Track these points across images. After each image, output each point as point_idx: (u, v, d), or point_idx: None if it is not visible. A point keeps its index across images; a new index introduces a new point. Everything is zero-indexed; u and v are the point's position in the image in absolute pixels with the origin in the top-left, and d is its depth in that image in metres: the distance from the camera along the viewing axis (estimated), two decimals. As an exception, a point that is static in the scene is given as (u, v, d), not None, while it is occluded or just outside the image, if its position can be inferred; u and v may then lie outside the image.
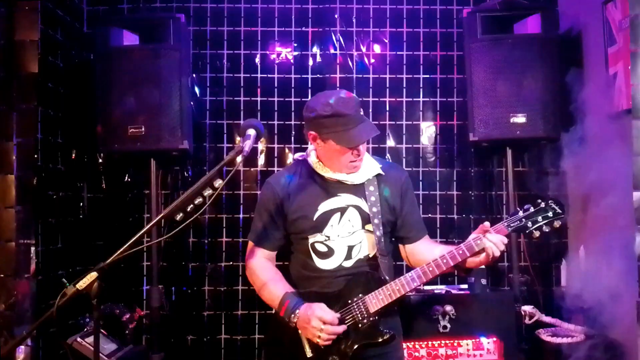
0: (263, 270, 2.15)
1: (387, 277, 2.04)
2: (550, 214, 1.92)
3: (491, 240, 1.89)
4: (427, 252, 2.12)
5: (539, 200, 1.93)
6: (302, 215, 2.10)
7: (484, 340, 2.82)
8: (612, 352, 2.66)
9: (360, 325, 2.00)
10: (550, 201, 1.93)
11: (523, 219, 1.92)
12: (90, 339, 2.74)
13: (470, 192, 3.51)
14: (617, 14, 2.77)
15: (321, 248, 2.11)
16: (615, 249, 2.42)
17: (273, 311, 2.15)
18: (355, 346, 1.98)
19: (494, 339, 2.81)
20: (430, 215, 3.47)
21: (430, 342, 2.80)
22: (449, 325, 2.83)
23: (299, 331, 2.02)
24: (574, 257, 3.01)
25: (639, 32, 2.25)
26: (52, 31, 3.04)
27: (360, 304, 2.00)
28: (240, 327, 3.43)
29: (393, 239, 2.21)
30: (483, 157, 3.50)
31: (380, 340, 1.99)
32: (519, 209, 1.95)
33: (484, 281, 2.99)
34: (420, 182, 3.49)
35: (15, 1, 2.82)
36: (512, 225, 1.93)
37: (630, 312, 2.21)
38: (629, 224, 2.22)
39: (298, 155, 2.27)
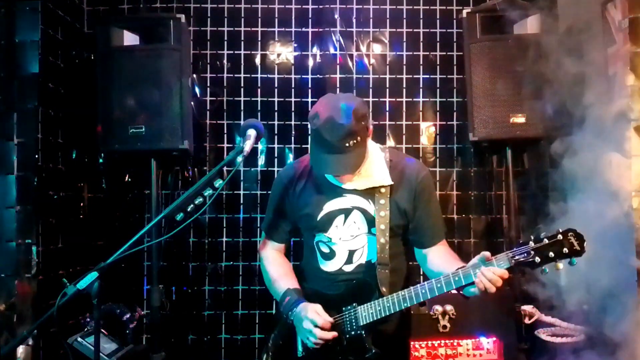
0: (271, 263, 2.21)
1: (384, 290, 1.97)
2: (565, 249, 1.63)
3: (485, 276, 1.69)
4: (437, 263, 2.02)
5: (558, 231, 1.65)
6: (307, 213, 2.08)
7: (484, 340, 2.82)
8: (611, 351, 2.66)
9: (348, 336, 1.95)
10: (569, 234, 1.64)
11: (532, 252, 1.66)
12: (91, 339, 2.75)
13: (470, 192, 3.51)
14: (617, 14, 2.77)
15: (324, 249, 2.10)
16: (614, 248, 2.42)
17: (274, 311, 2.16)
18: (341, 356, 1.95)
19: (494, 338, 2.82)
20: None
21: (430, 342, 2.80)
22: (448, 325, 2.83)
23: (296, 329, 2.02)
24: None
25: (639, 32, 2.26)
26: (53, 31, 3.04)
27: (352, 314, 1.96)
28: (240, 327, 3.44)
29: (405, 242, 2.13)
30: (483, 157, 3.50)
31: (365, 356, 1.92)
32: (531, 237, 1.68)
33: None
34: (420, 182, 3.50)
35: (16, 1, 2.83)
36: (517, 257, 1.68)
37: (630, 311, 2.22)
38: (629, 224, 2.22)
39: None
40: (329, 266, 2.09)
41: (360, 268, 2.05)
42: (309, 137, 2.01)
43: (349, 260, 2.06)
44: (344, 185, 2.03)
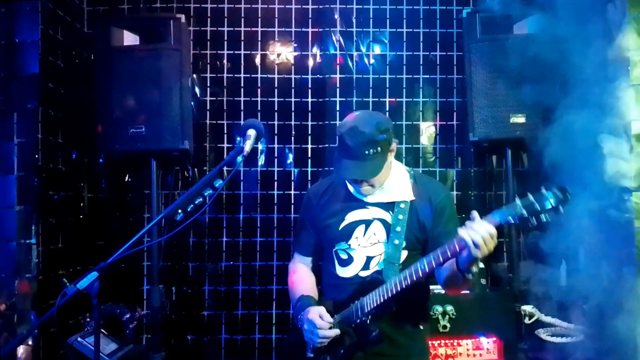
0: (293, 272, 2.30)
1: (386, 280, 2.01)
2: (551, 200, 1.70)
3: (469, 227, 1.75)
4: (448, 266, 2.00)
5: (542, 188, 1.73)
6: (329, 224, 2.15)
7: (483, 340, 2.82)
8: (611, 351, 2.66)
9: (354, 326, 2.01)
10: (552, 187, 1.72)
11: (517, 207, 1.73)
12: (91, 339, 2.76)
13: (470, 192, 3.51)
14: (617, 14, 2.77)
15: (342, 255, 2.15)
16: (614, 248, 2.42)
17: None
18: (347, 346, 2.00)
19: (494, 338, 2.82)
20: (430, 215, 3.48)
21: (430, 342, 2.80)
22: (448, 325, 2.83)
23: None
24: (574, 257, 3.01)
25: (639, 32, 2.26)
26: (53, 31, 3.04)
27: (358, 305, 2.02)
28: (240, 327, 3.44)
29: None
30: (483, 157, 3.50)
31: (368, 338, 1.98)
32: (517, 197, 1.76)
33: (483, 281, 2.99)
34: (420, 182, 3.50)
35: (16, 1, 2.83)
36: (504, 213, 1.75)
37: (630, 311, 2.21)
38: (628, 223, 2.22)
39: None
40: (345, 272, 2.13)
41: (376, 273, 2.09)
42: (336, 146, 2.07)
43: (365, 266, 2.10)
44: (366, 199, 2.10)
